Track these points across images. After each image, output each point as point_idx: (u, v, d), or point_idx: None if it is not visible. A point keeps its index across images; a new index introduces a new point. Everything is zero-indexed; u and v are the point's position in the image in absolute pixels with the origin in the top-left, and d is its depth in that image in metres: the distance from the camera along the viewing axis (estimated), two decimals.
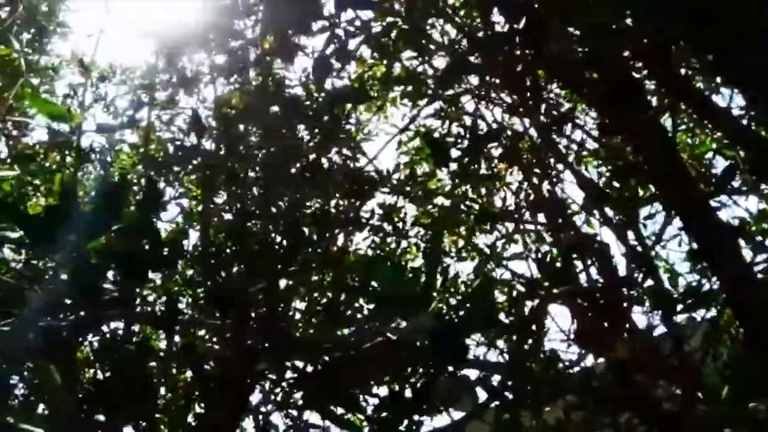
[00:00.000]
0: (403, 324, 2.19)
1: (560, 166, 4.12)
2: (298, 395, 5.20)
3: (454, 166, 3.75)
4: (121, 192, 2.45)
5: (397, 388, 2.59)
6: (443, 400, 2.55)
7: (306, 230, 3.99)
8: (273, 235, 4.32)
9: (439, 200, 5.43)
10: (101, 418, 2.61)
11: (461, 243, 5.56)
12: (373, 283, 5.43)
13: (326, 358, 2.69)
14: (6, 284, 2.61)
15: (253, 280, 3.20)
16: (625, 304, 3.10)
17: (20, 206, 2.99)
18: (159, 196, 3.19)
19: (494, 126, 4.11)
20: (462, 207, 4.99)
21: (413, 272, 5.49)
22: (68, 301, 2.36)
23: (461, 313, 2.33)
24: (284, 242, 3.97)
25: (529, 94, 3.45)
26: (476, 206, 4.98)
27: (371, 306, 2.32)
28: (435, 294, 2.25)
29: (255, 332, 3.28)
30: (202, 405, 4.40)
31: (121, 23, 4.93)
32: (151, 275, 2.70)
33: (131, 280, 2.40)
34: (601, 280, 3.23)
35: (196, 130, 4.03)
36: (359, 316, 2.74)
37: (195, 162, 4.59)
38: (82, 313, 2.38)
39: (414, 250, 5.72)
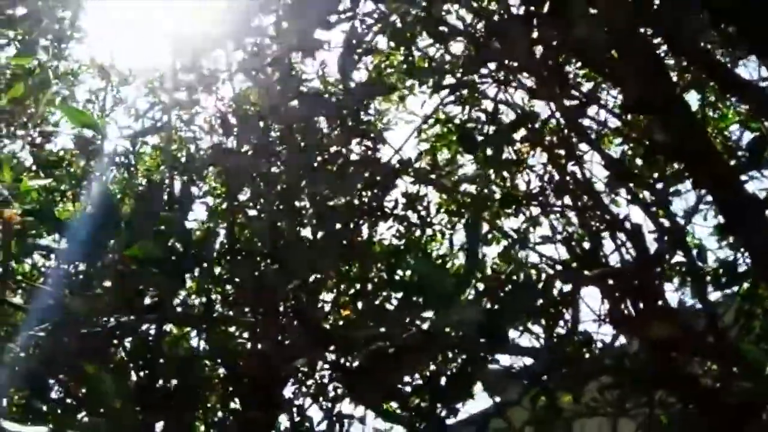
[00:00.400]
0: (440, 314, 2.19)
1: (584, 147, 4.10)
2: (332, 387, 5.25)
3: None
4: (159, 195, 2.47)
5: (432, 374, 2.60)
6: (485, 386, 2.56)
7: (332, 223, 4.00)
8: (299, 229, 4.35)
9: (463, 186, 5.43)
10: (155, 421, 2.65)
11: (486, 227, 5.56)
12: (404, 273, 5.46)
13: (364, 350, 2.70)
14: (42, 291, 2.65)
15: (284, 276, 3.22)
16: (657, 283, 3.09)
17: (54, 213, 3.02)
18: (191, 197, 3.21)
19: (519, 111, 4.10)
20: (486, 192, 4.98)
21: (441, 260, 5.50)
22: (109, 307, 2.39)
23: (503, 300, 2.33)
24: (313, 236, 3.99)
25: (551, 77, 3.43)
26: (500, 190, 4.97)
27: (403, 296, 2.33)
28: (475, 281, 2.25)
29: (288, 327, 3.30)
30: (237, 402, 4.44)
31: (138, 25, 4.94)
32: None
33: (169, 282, 2.42)
34: (632, 260, 3.22)
35: (224, 128, 4.03)
36: (391, 307, 2.75)
37: (219, 160, 4.60)
38: (123, 318, 2.41)
39: (439, 237, 5.73)
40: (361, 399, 2.80)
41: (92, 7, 4.84)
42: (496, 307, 2.21)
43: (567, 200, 4.40)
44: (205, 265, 3.11)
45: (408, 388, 2.74)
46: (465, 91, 4.70)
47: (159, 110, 5.48)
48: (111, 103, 5.51)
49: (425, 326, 2.37)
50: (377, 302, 4.42)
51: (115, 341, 2.90)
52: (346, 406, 5.14)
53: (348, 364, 3.40)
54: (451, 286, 2.14)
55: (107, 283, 2.36)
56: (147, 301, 2.44)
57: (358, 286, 5.19)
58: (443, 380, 2.70)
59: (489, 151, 3.72)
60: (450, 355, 2.72)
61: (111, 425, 2.00)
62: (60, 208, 4.58)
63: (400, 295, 2.88)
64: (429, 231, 5.51)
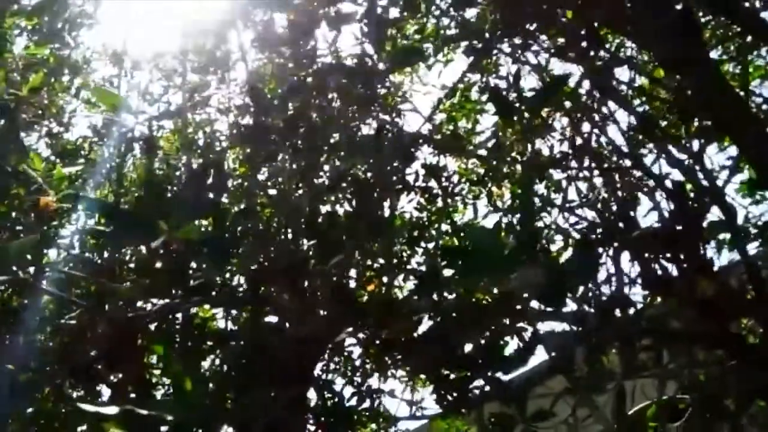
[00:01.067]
0: (499, 279, 2.17)
1: (612, 107, 4.05)
2: (360, 363, 5.25)
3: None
4: (203, 178, 2.44)
5: (488, 342, 2.57)
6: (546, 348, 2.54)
7: (360, 198, 3.98)
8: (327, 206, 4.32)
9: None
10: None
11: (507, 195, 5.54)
12: (427, 246, 5.42)
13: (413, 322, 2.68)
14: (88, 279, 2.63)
15: (320, 252, 3.20)
16: (697, 242, 3.05)
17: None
18: (225, 179, 3.20)
19: (545, 75, 4.04)
20: (509, 158, 4.94)
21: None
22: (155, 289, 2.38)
23: (562, 264, 2.30)
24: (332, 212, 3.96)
25: (579, 35, 3.38)
26: (524, 157, 4.93)
27: (459, 264, 2.29)
28: (534, 247, 2.22)
29: (325, 304, 3.28)
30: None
31: (148, 8, 4.89)
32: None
33: (216, 264, 2.41)
34: (670, 219, 3.19)
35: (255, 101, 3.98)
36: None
37: (238, 140, 4.57)
38: (172, 301, 2.39)
39: (461, 207, 5.71)
40: (427, 370, 2.77)
41: None
42: (557, 271, 2.18)
43: (592, 165, 4.36)
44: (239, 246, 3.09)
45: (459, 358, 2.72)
46: (483, 57, 4.65)
47: (174, 94, 5.45)
48: (125, 89, 5.47)
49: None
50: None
51: (160, 323, 2.89)
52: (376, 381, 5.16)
53: (387, 338, 3.38)
54: (510, 251, 2.11)
55: (158, 265, 2.35)
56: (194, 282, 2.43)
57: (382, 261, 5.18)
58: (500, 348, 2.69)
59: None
60: (507, 321, 2.70)
61: (185, 407, 2.00)
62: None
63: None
64: (451, 201, 5.49)
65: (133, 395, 2.94)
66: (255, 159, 4.45)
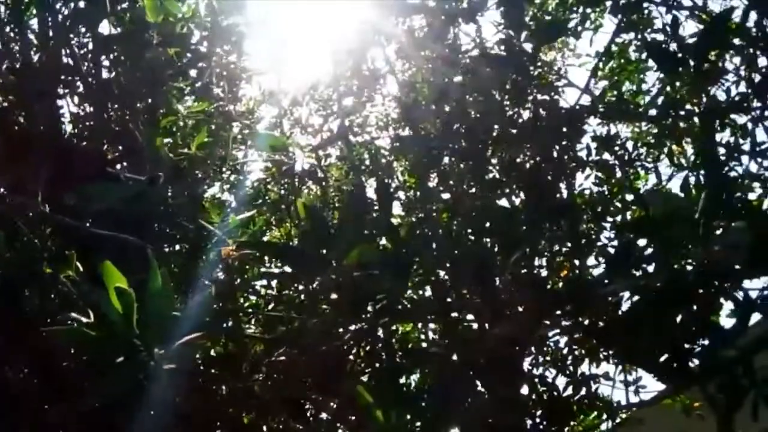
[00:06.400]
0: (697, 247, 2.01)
1: None
2: (568, 351, 5.09)
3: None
4: (361, 198, 2.44)
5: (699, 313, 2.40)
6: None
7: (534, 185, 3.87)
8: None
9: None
10: None
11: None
12: (614, 220, 5.19)
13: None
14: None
15: (503, 248, 3.13)
16: None
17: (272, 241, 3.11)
18: (390, 194, 3.20)
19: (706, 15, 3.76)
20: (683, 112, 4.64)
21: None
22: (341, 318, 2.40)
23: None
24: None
25: None
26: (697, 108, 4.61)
27: (653, 237, 2.15)
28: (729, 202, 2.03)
29: (522, 298, 3.21)
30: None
31: (295, 45, 5.05)
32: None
33: (395, 281, 2.40)
34: None
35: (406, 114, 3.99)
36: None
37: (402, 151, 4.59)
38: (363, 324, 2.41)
39: (643, 173, 5.43)
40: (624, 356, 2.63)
41: (252, 42, 4.98)
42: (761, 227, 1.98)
43: None
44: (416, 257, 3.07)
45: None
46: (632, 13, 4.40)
47: (333, 121, 5.57)
48: (288, 126, 5.65)
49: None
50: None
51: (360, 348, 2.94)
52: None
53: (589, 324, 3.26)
54: (703, 211, 1.94)
55: (334, 296, 2.37)
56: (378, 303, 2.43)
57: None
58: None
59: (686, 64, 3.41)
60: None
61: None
62: (269, 235, 4.73)
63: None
64: (630, 169, 5.24)
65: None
66: (420, 167, 4.45)
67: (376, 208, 2.81)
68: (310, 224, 2.37)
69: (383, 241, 2.69)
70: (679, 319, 2.52)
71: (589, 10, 4.87)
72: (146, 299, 2.21)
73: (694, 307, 2.27)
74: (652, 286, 2.19)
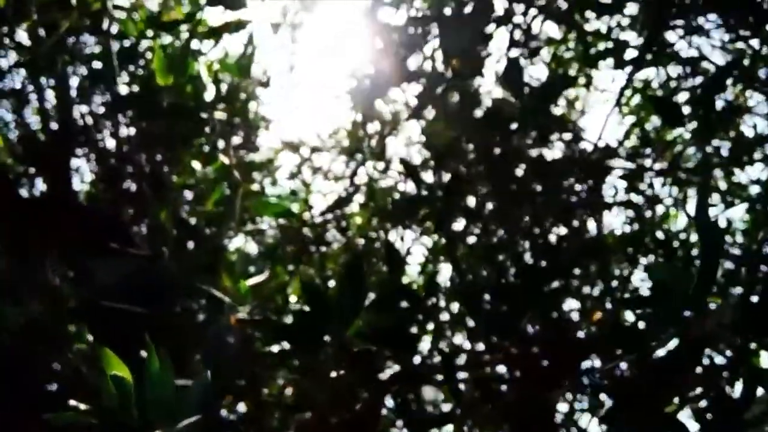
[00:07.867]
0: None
1: None
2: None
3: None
4: (361, 267, 2.36)
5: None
6: None
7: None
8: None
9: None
10: None
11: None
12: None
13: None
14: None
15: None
16: None
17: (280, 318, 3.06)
18: (399, 255, 3.12)
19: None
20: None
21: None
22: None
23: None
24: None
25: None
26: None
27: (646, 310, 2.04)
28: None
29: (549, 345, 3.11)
30: None
31: (312, 93, 5.03)
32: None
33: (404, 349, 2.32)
34: None
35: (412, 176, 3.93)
36: None
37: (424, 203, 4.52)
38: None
39: (673, 211, 5.26)
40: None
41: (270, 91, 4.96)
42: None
43: None
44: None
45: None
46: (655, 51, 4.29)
47: (356, 168, 5.52)
48: (310, 174, 5.62)
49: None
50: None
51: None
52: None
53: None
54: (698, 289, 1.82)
55: (333, 374, 2.29)
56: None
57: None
58: None
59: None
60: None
61: None
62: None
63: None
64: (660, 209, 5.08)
65: None
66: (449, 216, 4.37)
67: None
68: (306, 302, 2.30)
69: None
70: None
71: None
72: (145, 383, 2.15)
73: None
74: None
